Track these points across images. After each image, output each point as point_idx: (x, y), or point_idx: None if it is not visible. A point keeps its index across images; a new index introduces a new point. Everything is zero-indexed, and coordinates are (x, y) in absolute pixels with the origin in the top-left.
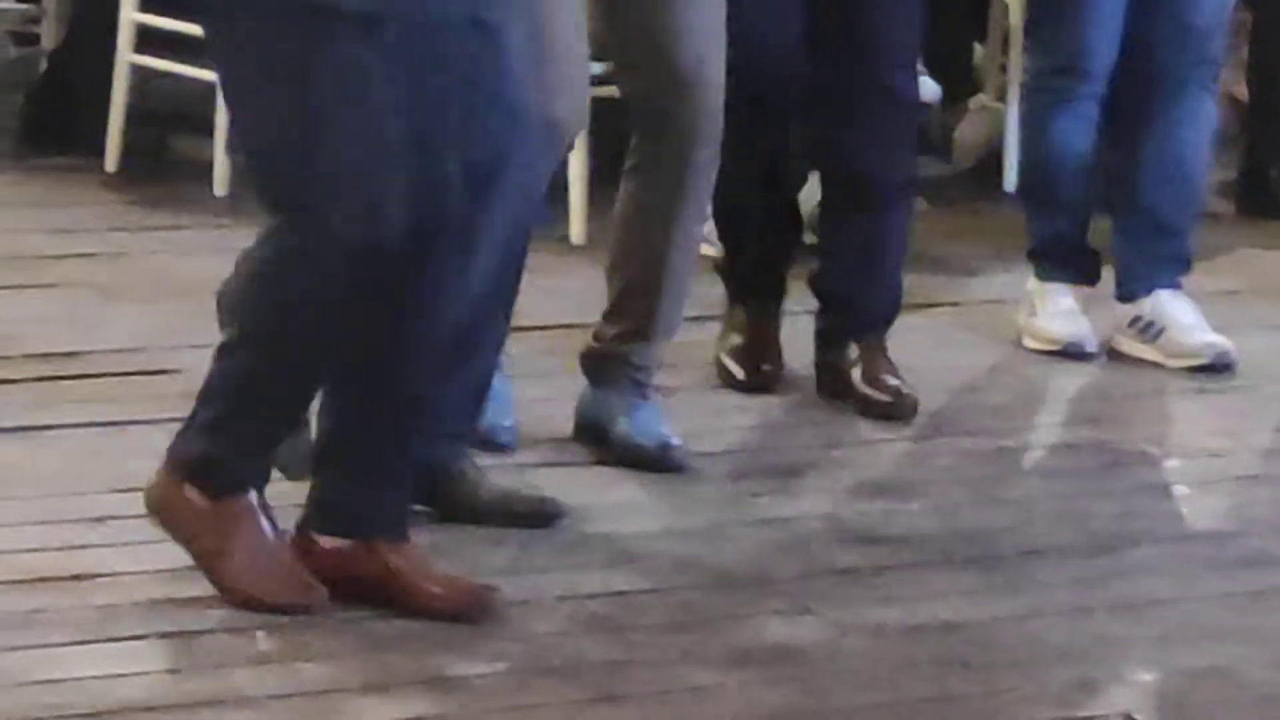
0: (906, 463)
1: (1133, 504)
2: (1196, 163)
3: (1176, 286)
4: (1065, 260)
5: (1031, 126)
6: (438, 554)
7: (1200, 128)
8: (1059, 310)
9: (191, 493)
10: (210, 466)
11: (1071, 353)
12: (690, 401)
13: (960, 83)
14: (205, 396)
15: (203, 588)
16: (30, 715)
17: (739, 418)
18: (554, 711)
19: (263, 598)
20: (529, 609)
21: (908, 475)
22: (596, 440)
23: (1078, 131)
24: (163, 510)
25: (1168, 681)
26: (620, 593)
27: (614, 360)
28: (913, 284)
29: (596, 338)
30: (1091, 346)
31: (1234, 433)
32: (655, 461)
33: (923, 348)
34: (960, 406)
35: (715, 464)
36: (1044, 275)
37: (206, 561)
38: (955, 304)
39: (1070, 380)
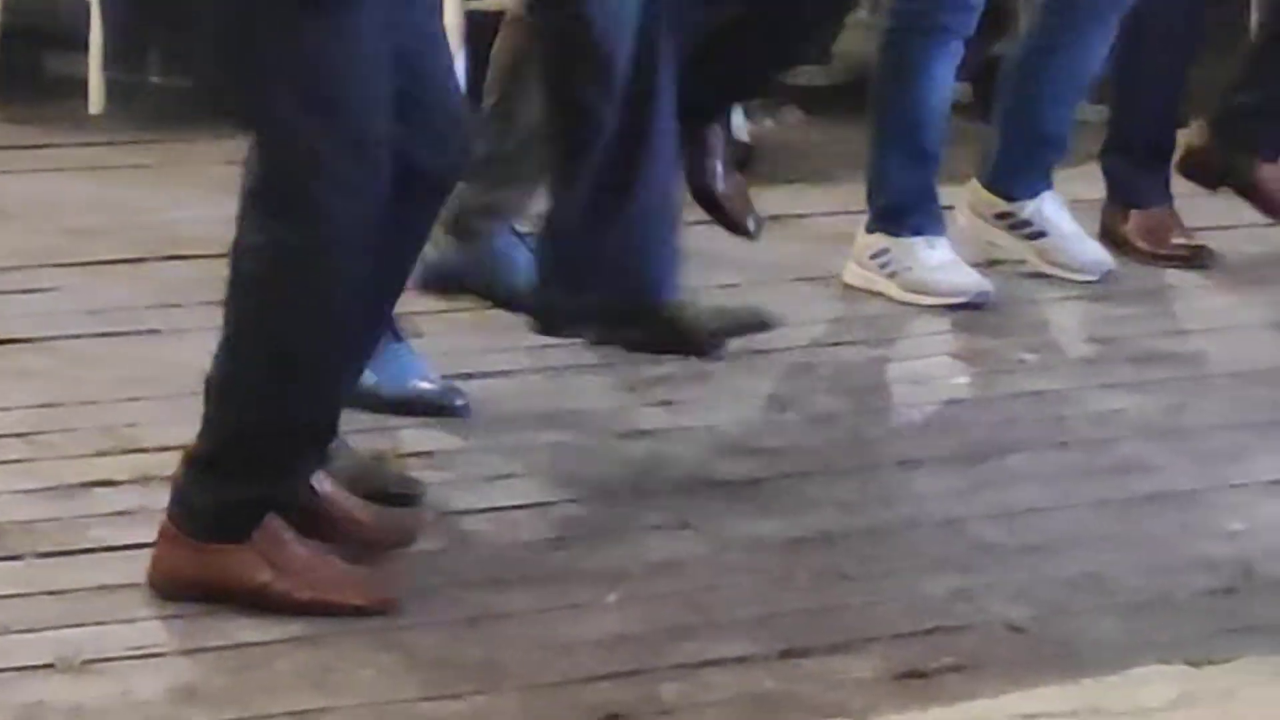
0: (784, 374)
1: (1009, 412)
2: (1088, 78)
3: (1049, 187)
4: (930, 211)
5: (901, 71)
6: None
7: (1102, 49)
8: (944, 261)
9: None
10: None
11: (979, 303)
12: None
13: None
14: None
15: None
16: None
17: None
18: (431, 630)
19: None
20: None
21: (785, 387)
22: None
23: (949, 75)
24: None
25: (1044, 589)
26: (496, 508)
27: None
28: (790, 195)
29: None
30: (991, 294)
31: (1109, 340)
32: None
33: (802, 256)
34: (838, 317)
35: (593, 378)
36: (905, 229)
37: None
38: (830, 214)
39: None
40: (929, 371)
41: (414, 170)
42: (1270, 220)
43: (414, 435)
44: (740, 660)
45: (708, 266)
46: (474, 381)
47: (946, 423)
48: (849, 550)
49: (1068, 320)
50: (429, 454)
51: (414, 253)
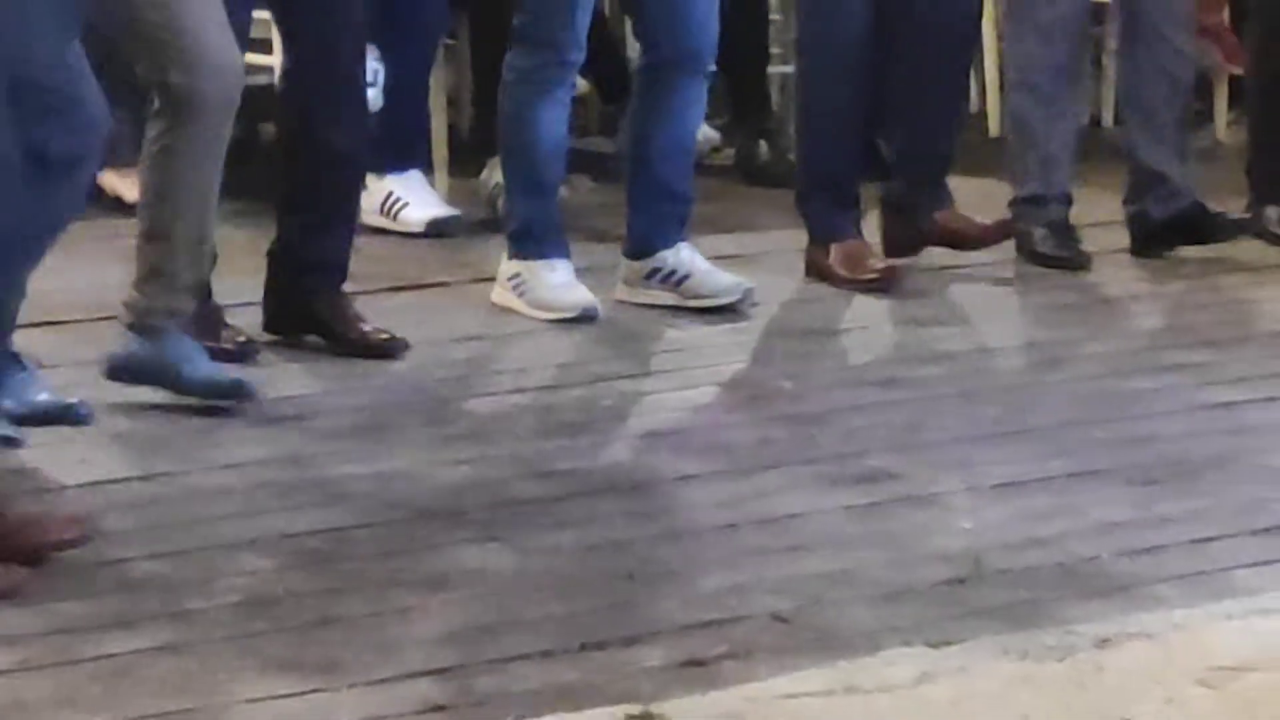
0: (576, 405)
1: (770, 432)
2: (693, 138)
3: (685, 239)
4: (552, 237)
5: (516, 118)
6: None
7: (699, 109)
8: (560, 282)
9: None
10: None
11: (588, 316)
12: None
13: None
14: None
15: None
16: None
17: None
18: (279, 636)
19: None
20: (255, 546)
21: (576, 417)
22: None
23: (562, 120)
24: None
25: (804, 584)
26: (334, 529)
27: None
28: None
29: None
30: (599, 310)
31: (797, 375)
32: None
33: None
34: (622, 355)
35: (415, 413)
36: (531, 254)
37: None
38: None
39: (687, 331)
40: (692, 399)
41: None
42: (976, 249)
43: (255, 472)
44: (544, 654)
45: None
46: (318, 420)
47: (715, 444)
48: (635, 555)
49: (822, 350)
50: (274, 484)
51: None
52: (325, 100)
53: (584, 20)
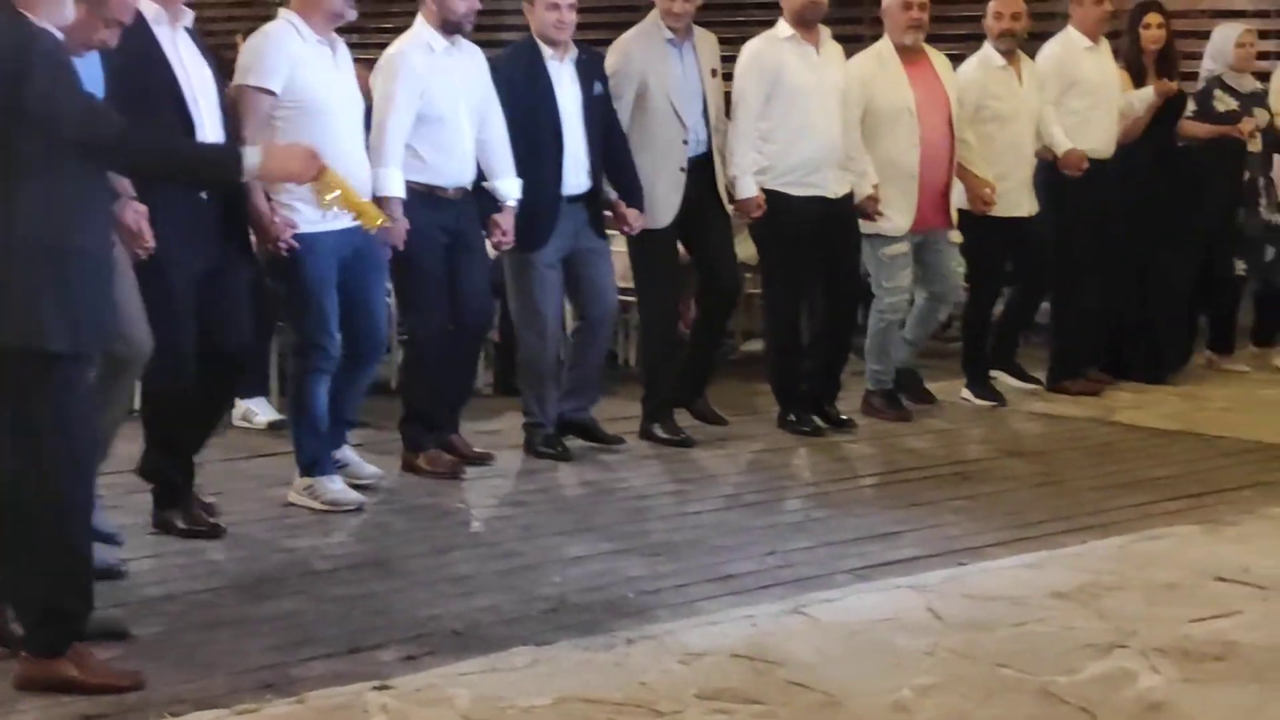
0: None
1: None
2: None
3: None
4: (328, 463)
5: (298, 391)
6: None
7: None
8: (339, 487)
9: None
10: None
11: (356, 508)
12: None
13: None
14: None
15: None
16: None
17: None
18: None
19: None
20: None
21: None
22: None
23: (324, 392)
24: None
25: (471, 614)
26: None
27: None
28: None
29: None
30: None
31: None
32: None
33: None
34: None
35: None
36: (318, 472)
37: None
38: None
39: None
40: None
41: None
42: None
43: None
44: (329, 655)
45: None
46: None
47: (426, 536)
48: (378, 600)
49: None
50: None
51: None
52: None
53: (335, 318)
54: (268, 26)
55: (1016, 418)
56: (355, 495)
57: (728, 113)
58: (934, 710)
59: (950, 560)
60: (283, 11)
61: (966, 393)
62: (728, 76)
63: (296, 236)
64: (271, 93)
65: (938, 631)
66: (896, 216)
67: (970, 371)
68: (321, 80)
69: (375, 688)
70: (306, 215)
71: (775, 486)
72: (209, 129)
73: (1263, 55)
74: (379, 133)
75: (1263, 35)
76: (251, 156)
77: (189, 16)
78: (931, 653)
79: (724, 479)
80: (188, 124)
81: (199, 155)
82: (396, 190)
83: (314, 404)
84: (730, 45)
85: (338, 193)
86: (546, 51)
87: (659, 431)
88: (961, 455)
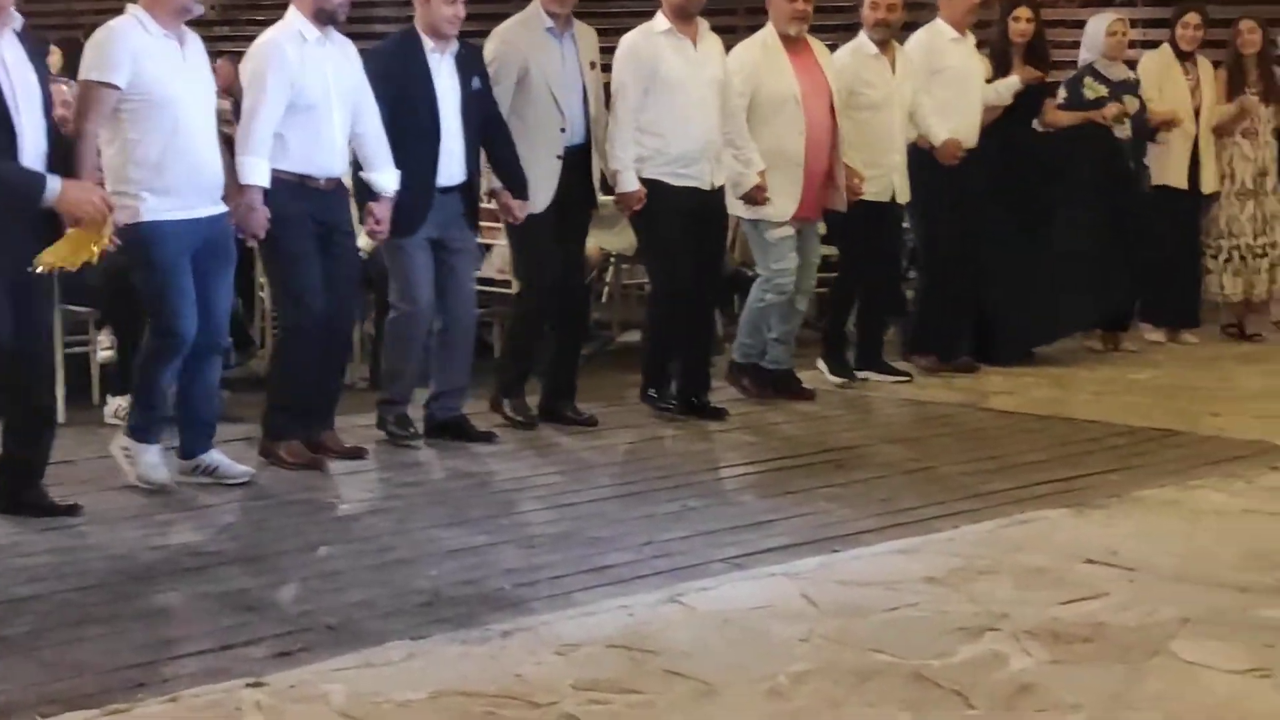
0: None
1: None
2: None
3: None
4: (154, 432)
5: (141, 367)
6: None
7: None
8: (154, 461)
9: None
10: None
11: (159, 489)
12: None
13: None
14: None
15: None
16: None
17: None
18: None
19: None
20: None
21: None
22: None
23: (169, 375)
24: None
25: (344, 609)
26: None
27: None
28: None
29: None
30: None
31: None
32: None
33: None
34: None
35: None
36: (139, 438)
37: None
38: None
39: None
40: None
41: None
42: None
43: None
44: (201, 653)
45: None
46: None
47: (298, 533)
48: (251, 596)
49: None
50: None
51: None
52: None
53: (189, 304)
54: (113, 21)
55: (890, 405)
56: (165, 474)
57: (607, 105)
58: (808, 696)
59: (824, 547)
60: (131, 7)
61: (821, 365)
62: (606, 69)
63: (142, 225)
64: (115, 87)
65: (812, 618)
66: (781, 202)
67: (827, 346)
68: (168, 73)
69: (249, 685)
70: (151, 205)
71: (651, 477)
72: (29, 137)
73: (1137, 44)
74: (247, 120)
75: (1134, 24)
76: (54, 184)
77: (18, 20)
78: (806, 639)
79: (601, 469)
80: (9, 131)
81: (4, 178)
82: (259, 179)
83: (155, 382)
84: (607, 37)
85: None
86: (428, 45)
87: (507, 409)
88: (836, 443)
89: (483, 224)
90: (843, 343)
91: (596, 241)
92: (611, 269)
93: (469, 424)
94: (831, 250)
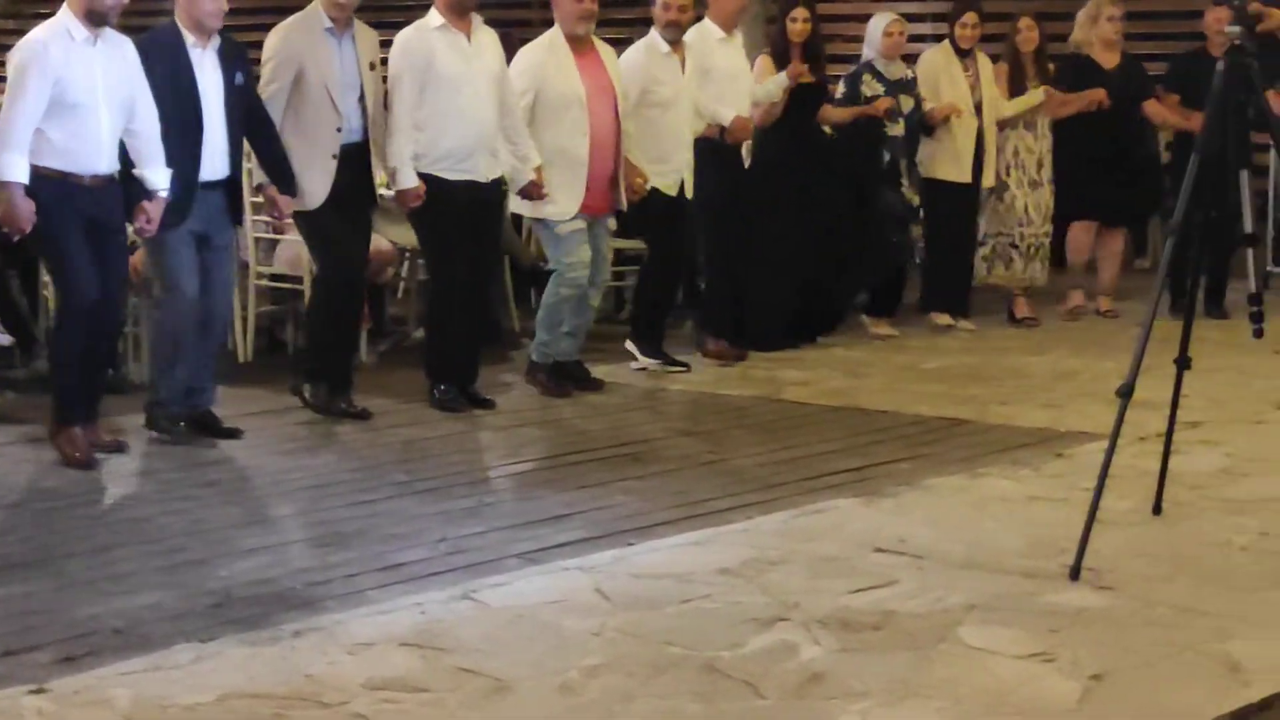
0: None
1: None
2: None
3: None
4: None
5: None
6: None
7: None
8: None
9: None
10: None
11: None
12: None
13: None
14: None
15: None
16: None
17: None
18: None
19: None
20: None
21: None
22: None
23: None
24: None
25: (133, 613)
26: None
27: None
28: None
29: None
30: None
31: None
32: None
33: None
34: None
35: None
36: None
37: None
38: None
39: None
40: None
41: None
42: None
43: None
44: None
45: None
46: None
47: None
48: (38, 600)
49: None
50: None
51: None
52: None
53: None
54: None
55: (685, 398)
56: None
57: (386, 105)
58: (600, 690)
59: (619, 540)
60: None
61: (630, 345)
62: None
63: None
64: None
65: (605, 612)
66: (564, 202)
67: (635, 329)
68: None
69: (31, 691)
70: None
71: (447, 473)
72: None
73: (928, 38)
74: (5, 116)
75: (925, 19)
76: None
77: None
78: (599, 633)
79: (397, 466)
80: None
81: None
82: (17, 175)
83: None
84: (386, 33)
85: None
86: (189, 39)
87: (306, 393)
88: (631, 436)
89: (267, 219)
90: (654, 328)
91: (390, 236)
92: (406, 264)
93: (216, 420)
94: (627, 244)
